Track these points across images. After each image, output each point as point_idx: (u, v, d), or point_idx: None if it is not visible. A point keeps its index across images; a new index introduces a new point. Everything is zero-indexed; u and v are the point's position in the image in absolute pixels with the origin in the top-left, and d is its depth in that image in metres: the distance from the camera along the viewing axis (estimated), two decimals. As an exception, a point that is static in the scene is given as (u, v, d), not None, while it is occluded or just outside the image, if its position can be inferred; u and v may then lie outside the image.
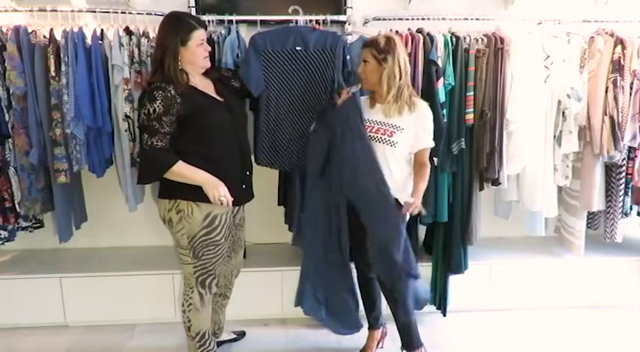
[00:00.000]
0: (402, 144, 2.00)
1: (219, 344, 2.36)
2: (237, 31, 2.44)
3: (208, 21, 2.36)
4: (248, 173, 2.05)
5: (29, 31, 2.30)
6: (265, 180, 2.53)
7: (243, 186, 2.02)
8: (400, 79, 1.98)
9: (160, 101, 1.77)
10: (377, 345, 2.39)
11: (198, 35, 1.88)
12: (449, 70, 2.35)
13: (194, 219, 1.88)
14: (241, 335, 2.53)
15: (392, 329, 2.33)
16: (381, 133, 2.00)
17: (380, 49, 1.97)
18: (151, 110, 1.77)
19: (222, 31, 2.42)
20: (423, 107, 2.05)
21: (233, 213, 2.06)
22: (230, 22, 2.44)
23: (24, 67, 2.27)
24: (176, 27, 1.86)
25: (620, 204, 2.62)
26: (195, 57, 1.89)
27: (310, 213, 2.15)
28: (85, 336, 2.54)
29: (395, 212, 2.00)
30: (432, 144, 2.07)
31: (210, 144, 1.88)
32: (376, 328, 2.37)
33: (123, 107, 2.34)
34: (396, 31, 2.35)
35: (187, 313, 2.02)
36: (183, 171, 1.83)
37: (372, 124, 2.03)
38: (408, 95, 2.01)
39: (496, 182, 2.45)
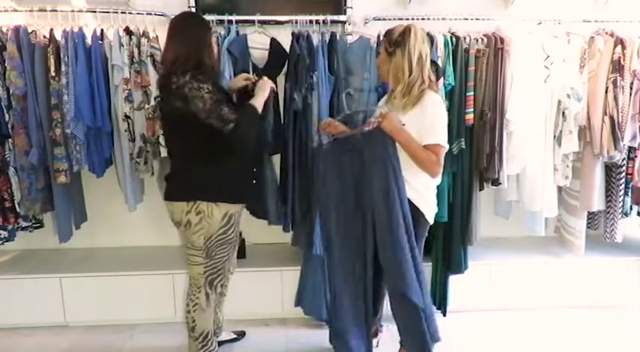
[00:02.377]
0: None
1: (220, 344, 2.35)
2: (237, 31, 2.44)
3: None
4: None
5: (29, 31, 2.31)
6: (265, 180, 2.53)
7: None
8: (410, 75, 1.86)
9: (209, 81, 1.79)
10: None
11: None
12: (449, 70, 2.35)
13: (214, 219, 1.89)
14: (241, 335, 2.52)
15: (392, 329, 2.33)
16: None
17: (391, 40, 1.90)
18: (209, 87, 1.77)
19: (222, 32, 2.42)
20: (428, 101, 1.85)
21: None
22: (230, 22, 2.44)
23: (24, 67, 2.27)
24: (207, 25, 1.95)
25: (620, 204, 2.62)
26: (213, 53, 1.97)
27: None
28: (85, 336, 2.54)
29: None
30: (438, 141, 1.85)
31: (221, 140, 1.85)
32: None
33: (123, 107, 2.35)
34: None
35: (192, 313, 2.01)
36: (260, 104, 1.93)
37: None
38: (418, 91, 1.86)
39: (496, 182, 2.45)
